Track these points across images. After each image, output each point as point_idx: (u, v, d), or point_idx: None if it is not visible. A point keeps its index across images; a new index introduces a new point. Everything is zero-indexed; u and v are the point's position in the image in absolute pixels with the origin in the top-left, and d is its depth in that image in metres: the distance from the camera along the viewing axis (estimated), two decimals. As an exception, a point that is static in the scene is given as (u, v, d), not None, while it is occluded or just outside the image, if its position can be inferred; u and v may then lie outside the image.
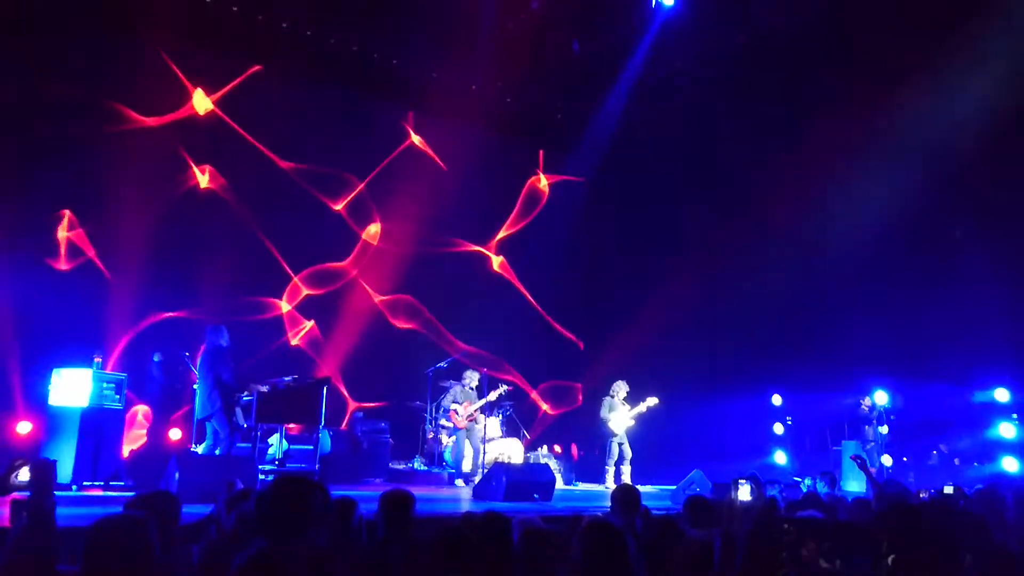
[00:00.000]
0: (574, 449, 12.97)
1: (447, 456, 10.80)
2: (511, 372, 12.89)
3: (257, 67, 11.25)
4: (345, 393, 11.66)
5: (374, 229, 12.42)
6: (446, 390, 10.99)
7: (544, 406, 13.76)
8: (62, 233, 9.64)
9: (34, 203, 9.46)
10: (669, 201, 13.18)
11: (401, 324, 12.45)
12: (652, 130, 12.90)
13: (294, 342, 11.45)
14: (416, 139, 12.94)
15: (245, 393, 8.06)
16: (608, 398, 10.83)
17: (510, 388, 10.95)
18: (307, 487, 2.63)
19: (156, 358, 9.06)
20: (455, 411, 10.21)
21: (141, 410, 9.68)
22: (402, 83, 12.29)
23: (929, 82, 10.04)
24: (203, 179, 10.85)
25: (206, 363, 7.80)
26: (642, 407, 10.68)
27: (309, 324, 11.65)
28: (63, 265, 9.63)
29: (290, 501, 2.53)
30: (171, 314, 10.13)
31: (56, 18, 9.42)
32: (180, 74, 10.70)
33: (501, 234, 13.83)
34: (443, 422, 10.85)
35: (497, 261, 13.74)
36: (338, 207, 12.06)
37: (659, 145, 13.06)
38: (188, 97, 10.81)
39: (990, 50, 9.61)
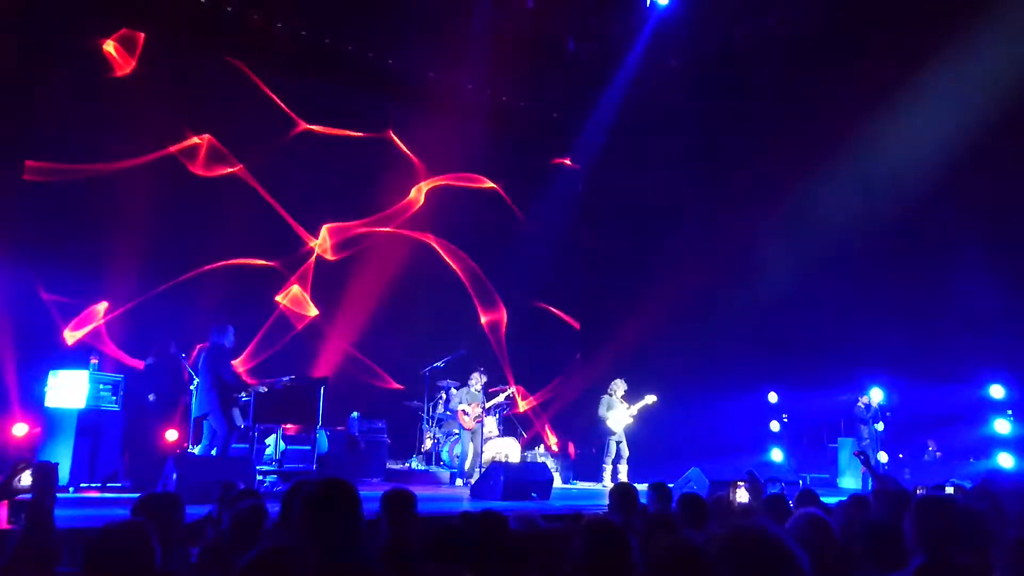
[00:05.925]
0: (571, 448, 12.96)
1: (444, 455, 10.78)
2: (507, 371, 12.86)
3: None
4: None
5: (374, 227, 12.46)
6: (442, 389, 10.98)
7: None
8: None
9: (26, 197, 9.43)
10: (666, 197, 13.18)
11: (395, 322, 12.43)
12: (650, 125, 12.88)
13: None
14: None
15: (243, 393, 8.05)
16: (606, 396, 10.85)
17: (513, 391, 10.96)
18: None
19: (149, 360, 9.00)
20: (464, 412, 10.20)
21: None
22: (396, 82, 12.26)
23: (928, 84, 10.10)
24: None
25: (206, 361, 7.78)
26: (640, 404, 10.70)
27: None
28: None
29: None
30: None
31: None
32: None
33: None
34: (447, 424, 10.83)
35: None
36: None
37: (657, 141, 13.05)
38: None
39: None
